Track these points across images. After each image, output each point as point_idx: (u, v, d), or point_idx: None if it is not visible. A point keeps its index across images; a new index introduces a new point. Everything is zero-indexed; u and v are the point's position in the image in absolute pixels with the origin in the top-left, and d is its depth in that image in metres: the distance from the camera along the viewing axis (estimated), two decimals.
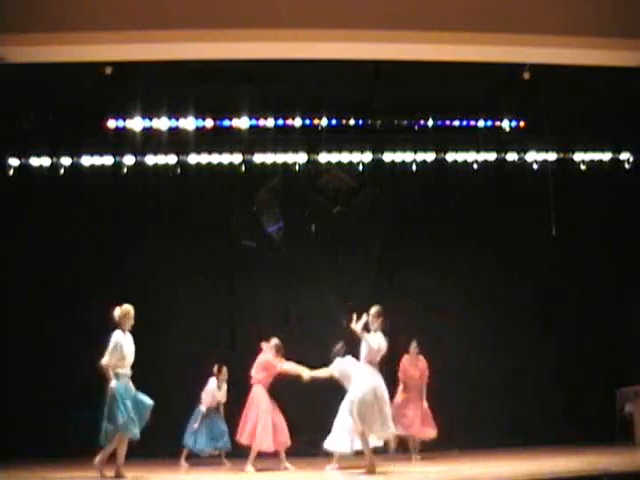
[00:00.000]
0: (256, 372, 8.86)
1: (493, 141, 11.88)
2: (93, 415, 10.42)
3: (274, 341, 8.98)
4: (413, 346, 9.84)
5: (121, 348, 7.43)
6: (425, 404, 9.60)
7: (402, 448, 9.85)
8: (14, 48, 5.94)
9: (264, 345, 9.04)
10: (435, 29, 5.93)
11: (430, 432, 9.56)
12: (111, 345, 7.44)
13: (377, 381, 7.84)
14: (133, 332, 10.84)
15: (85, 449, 10.12)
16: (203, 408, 9.34)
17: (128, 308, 7.62)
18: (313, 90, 10.25)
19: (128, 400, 7.40)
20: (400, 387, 9.67)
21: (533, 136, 11.70)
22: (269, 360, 8.84)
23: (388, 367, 9.84)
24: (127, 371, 7.50)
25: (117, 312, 7.59)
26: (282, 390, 9.02)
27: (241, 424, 8.74)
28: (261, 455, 8.74)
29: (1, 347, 10.62)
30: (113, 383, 7.37)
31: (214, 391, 9.44)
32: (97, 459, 7.51)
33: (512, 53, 6.44)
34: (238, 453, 9.23)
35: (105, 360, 7.41)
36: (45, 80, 9.03)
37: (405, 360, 9.84)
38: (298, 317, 11.11)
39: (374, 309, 8.15)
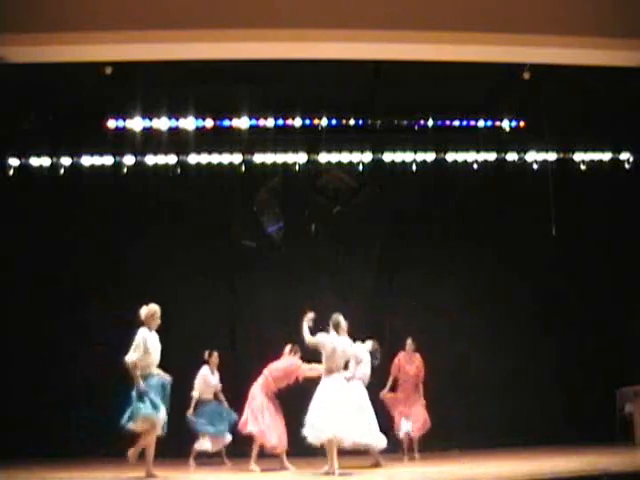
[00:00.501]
0: (282, 373, 8.68)
1: (493, 141, 11.89)
2: (93, 415, 10.51)
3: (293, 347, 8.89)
4: (409, 343, 9.84)
5: (145, 345, 7.26)
6: (422, 402, 9.60)
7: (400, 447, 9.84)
8: (14, 48, 5.93)
9: (286, 350, 8.94)
10: (435, 29, 5.93)
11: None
12: (135, 342, 7.27)
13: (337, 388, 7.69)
14: (131, 331, 10.93)
15: (85, 449, 10.22)
16: (195, 393, 9.23)
17: (155, 308, 7.52)
18: (313, 90, 10.25)
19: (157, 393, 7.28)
20: (388, 386, 9.67)
21: (533, 136, 11.71)
22: (297, 364, 8.67)
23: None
24: (153, 370, 7.35)
25: (144, 311, 7.49)
26: (283, 389, 8.98)
27: (245, 415, 8.58)
28: (261, 455, 8.71)
29: (1, 347, 10.63)
30: (141, 385, 7.17)
31: (206, 377, 9.31)
32: (132, 454, 7.32)
33: (512, 53, 6.44)
34: (239, 453, 9.22)
35: (129, 357, 7.20)
36: (45, 80, 9.03)
37: (401, 356, 9.84)
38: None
39: (333, 317, 7.99)
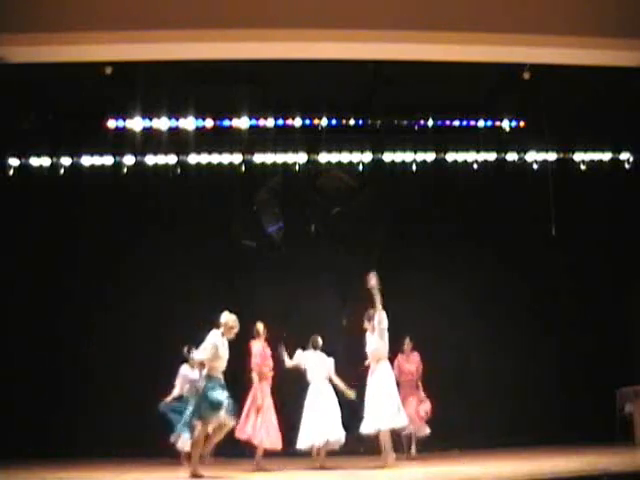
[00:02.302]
0: (260, 360, 8.68)
1: (493, 141, 11.88)
2: (93, 415, 10.52)
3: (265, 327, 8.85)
4: (406, 343, 9.83)
5: (216, 348, 7.35)
6: (422, 397, 9.58)
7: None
8: (14, 48, 5.94)
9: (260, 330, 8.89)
10: (435, 29, 5.93)
11: (425, 429, 9.60)
12: (207, 342, 7.35)
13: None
14: (131, 331, 10.94)
15: (84, 449, 10.23)
16: (175, 391, 9.16)
17: (236, 320, 7.66)
18: (313, 90, 10.25)
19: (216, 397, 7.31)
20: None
21: (533, 136, 11.70)
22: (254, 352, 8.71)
23: None
24: (219, 374, 7.42)
25: (224, 318, 7.58)
26: (281, 389, 8.97)
27: (242, 420, 8.55)
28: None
29: (1, 347, 10.63)
30: (202, 381, 7.31)
31: (186, 375, 9.18)
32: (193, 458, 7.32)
33: (512, 53, 6.44)
34: (236, 453, 9.21)
35: (198, 355, 7.35)
36: (45, 80, 9.03)
37: (400, 358, 9.82)
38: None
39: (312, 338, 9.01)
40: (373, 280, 8.47)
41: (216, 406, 7.12)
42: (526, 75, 9.28)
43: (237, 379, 9.73)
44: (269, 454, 8.58)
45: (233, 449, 9.45)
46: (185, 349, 9.38)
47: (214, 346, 7.32)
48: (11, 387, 10.49)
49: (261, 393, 8.55)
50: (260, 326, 8.86)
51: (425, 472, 7.91)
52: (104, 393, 10.67)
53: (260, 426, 8.38)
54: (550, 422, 10.75)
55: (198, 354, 7.36)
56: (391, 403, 8.23)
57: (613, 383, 10.90)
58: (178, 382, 9.31)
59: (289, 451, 8.70)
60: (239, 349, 10.98)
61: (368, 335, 8.59)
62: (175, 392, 9.24)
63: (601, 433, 10.35)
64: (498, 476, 6.88)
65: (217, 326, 7.52)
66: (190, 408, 7.38)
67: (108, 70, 8.83)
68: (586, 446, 9.50)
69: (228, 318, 7.57)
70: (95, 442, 10.34)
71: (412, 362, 9.73)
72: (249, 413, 8.51)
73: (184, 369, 9.37)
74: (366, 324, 8.64)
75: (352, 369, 10.93)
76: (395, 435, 9.36)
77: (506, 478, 6.71)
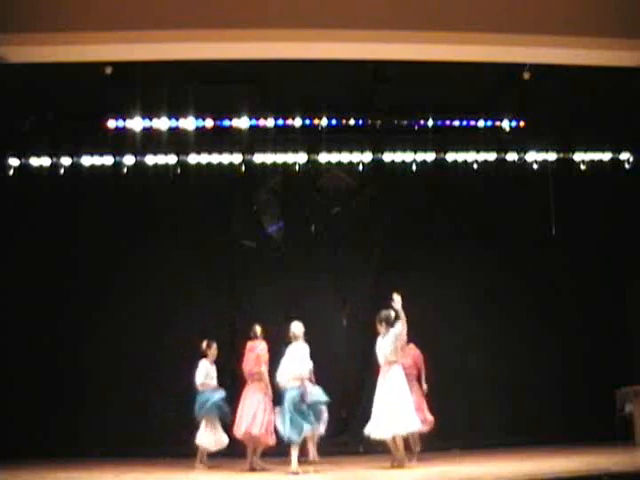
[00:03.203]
0: (254, 362, 8.71)
1: (493, 141, 11.87)
2: (93, 415, 10.52)
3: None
4: None
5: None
6: (424, 388, 9.52)
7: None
8: (14, 48, 5.95)
9: (257, 332, 8.89)
10: (435, 29, 5.94)
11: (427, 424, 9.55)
12: (305, 356, 8.01)
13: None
14: (131, 331, 10.94)
15: (84, 449, 10.23)
16: (198, 383, 8.99)
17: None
18: (313, 90, 10.25)
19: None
20: None
21: (533, 136, 11.70)
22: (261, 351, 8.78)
23: None
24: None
25: (300, 329, 8.19)
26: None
27: (237, 418, 8.54)
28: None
29: (1, 347, 10.63)
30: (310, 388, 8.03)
31: (208, 370, 9.08)
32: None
33: (512, 53, 6.45)
34: (239, 452, 9.21)
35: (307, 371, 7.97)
36: (45, 80, 9.03)
37: None
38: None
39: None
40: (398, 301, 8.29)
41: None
42: (526, 75, 9.28)
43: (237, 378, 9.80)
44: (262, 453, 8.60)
45: (229, 449, 9.48)
46: (204, 344, 9.21)
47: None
48: (11, 387, 10.49)
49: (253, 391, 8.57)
50: (258, 328, 8.85)
51: (425, 472, 7.92)
52: (104, 393, 10.67)
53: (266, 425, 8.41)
54: (550, 422, 10.74)
55: (304, 370, 7.93)
56: (405, 408, 8.18)
57: (613, 383, 10.91)
58: (200, 376, 9.04)
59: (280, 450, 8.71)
60: (238, 349, 11.05)
61: (380, 338, 8.49)
62: (198, 386, 8.99)
63: (601, 433, 10.34)
64: (498, 476, 6.89)
65: (294, 337, 8.11)
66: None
67: (108, 70, 8.84)
68: (586, 446, 9.51)
69: (301, 327, 8.21)
70: (95, 442, 10.34)
71: (407, 355, 9.60)
72: (243, 412, 8.49)
73: (203, 364, 9.15)
74: (379, 326, 8.50)
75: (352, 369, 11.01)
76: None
77: (506, 478, 6.72)
